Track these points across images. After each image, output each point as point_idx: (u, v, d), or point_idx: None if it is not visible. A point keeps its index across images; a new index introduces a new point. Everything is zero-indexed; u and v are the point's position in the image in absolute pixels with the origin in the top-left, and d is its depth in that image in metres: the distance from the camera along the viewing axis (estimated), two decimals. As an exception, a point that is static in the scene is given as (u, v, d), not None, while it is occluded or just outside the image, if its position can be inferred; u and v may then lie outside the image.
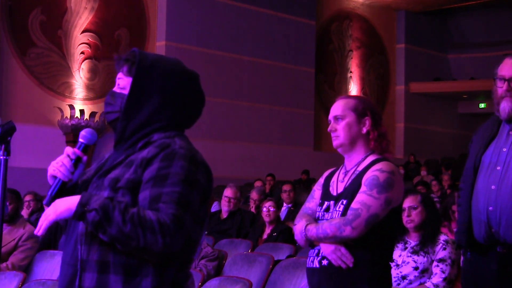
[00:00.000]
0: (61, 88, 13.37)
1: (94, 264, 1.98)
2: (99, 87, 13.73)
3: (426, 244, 3.96)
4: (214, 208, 8.43)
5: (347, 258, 2.64)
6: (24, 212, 7.81)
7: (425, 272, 3.91)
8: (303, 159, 16.29)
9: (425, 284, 3.88)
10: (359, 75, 19.37)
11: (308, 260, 2.79)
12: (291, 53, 16.85)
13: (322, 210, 2.79)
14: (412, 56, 20.59)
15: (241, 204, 7.37)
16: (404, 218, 4.00)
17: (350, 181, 2.75)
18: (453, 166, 15.03)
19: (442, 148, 20.41)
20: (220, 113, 14.87)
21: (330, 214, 2.74)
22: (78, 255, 2.01)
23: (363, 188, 2.67)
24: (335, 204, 2.74)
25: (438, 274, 3.87)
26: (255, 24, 16.16)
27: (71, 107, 13.26)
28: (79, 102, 13.48)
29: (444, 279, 3.86)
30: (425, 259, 3.92)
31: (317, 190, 2.90)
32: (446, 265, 3.89)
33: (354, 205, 2.64)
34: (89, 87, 13.66)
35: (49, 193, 2.07)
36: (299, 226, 2.77)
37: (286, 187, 9.04)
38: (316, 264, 2.72)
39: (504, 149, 2.86)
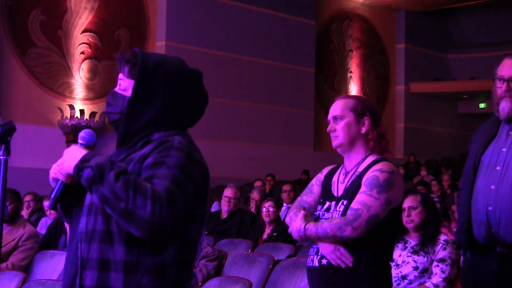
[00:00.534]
0: (61, 88, 13.38)
1: (95, 262, 1.99)
2: (99, 87, 13.74)
3: (426, 244, 3.96)
4: (214, 208, 8.43)
5: (346, 258, 2.64)
6: (24, 212, 7.82)
7: (425, 272, 3.92)
8: (303, 159, 16.29)
9: (425, 284, 3.89)
10: (359, 75, 19.37)
11: (308, 259, 2.79)
12: (291, 53, 16.85)
13: (323, 210, 2.79)
14: (412, 56, 20.59)
15: (241, 204, 7.37)
16: (404, 218, 4.00)
17: (350, 182, 2.75)
18: (453, 166, 15.04)
19: (442, 148, 20.41)
20: (220, 113, 14.87)
21: (330, 214, 2.74)
22: (79, 254, 2.02)
23: (363, 188, 2.67)
24: (336, 205, 2.75)
25: (438, 274, 3.88)
26: (255, 24, 16.16)
27: (71, 107, 13.27)
28: (79, 102, 13.49)
29: (444, 279, 3.86)
30: (425, 259, 3.93)
31: (316, 186, 2.89)
32: (446, 265, 3.89)
33: (354, 205, 2.64)
34: (89, 87, 13.66)
35: (52, 196, 2.08)
36: (298, 224, 2.75)
37: (286, 187, 9.05)
38: (315, 263, 2.72)
39: (504, 149, 2.86)
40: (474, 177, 2.91)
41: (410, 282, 3.91)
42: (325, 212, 2.77)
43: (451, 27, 21.95)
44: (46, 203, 7.41)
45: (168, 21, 14.59)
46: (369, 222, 2.61)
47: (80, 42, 13.59)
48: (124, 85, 2.12)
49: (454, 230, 3.38)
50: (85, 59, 13.62)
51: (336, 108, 2.82)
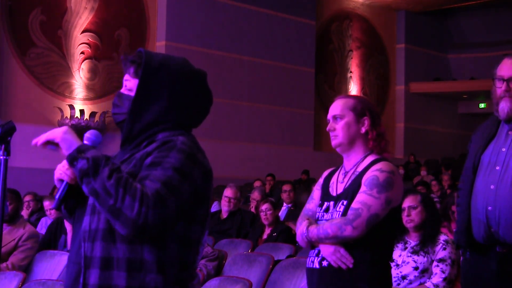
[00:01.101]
0: (61, 88, 13.38)
1: (98, 261, 1.99)
2: (99, 87, 13.73)
3: (426, 244, 3.96)
4: (214, 208, 8.43)
5: (347, 259, 2.65)
6: (24, 212, 7.82)
7: (425, 272, 3.92)
8: (303, 159, 16.30)
9: (425, 284, 3.89)
10: (359, 75, 19.37)
11: (308, 260, 2.80)
12: (291, 53, 16.85)
13: (321, 211, 2.79)
14: (412, 56, 20.59)
15: (241, 204, 7.37)
16: (404, 218, 4.00)
17: (349, 181, 2.76)
18: (453, 166, 15.04)
19: (442, 148, 20.41)
20: (220, 113, 14.86)
21: (329, 214, 2.75)
22: (82, 252, 2.03)
23: (363, 188, 2.68)
24: (334, 205, 2.75)
25: (438, 274, 3.88)
26: (255, 24, 16.16)
27: (71, 107, 13.27)
28: (79, 102, 13.48)
29: (444, 279, 3.86)
30: (425, 259, 3.93)
31: (316, 191, 2.91)
32: (446, 265, 3.89)
33: (354, 205, 2.65)
34: (89, 87, 13.66)
35: (57, 196, 2.09)
36: (301, 228, 2.77)
37: (286, 187, 9.05)
38: (316, 264, 2.73)
39: (503, 149, 2.86)
40: (473, 177, 2.91)
41: (410, 282, 3.91)
42: (324, 213, 2.78)
43: (451, 27, 21.95)
44: (46, 203, 7.41)
45: (168, 21, 14.58)
46: (369, 222, 2.62)
47: (80, 42, 13.59)
48: (130, 85, 2.12)
49: (454, 230, 3.38)
50: (85, 59, 13.62)
51: (336, 107, 2.82)
